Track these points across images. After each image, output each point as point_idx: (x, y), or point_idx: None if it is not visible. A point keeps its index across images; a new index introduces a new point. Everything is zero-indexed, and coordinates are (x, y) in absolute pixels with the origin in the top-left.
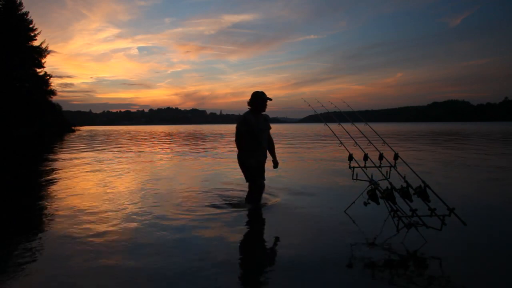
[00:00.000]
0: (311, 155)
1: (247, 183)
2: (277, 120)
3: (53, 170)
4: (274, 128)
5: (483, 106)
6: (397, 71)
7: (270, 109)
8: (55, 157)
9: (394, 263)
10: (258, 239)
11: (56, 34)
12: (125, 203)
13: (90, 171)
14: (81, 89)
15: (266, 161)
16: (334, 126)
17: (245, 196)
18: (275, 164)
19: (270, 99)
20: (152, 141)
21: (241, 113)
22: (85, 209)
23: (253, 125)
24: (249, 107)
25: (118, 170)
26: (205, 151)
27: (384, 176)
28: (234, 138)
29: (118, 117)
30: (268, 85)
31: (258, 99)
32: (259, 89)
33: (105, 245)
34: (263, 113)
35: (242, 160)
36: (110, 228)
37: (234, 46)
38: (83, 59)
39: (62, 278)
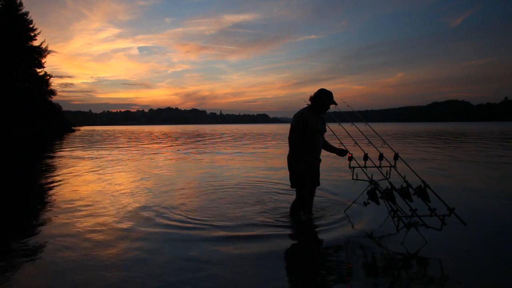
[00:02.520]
0: None
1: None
2: (277, 120)
3: (53, 170)
4: (274, 128)
5: (483, 106)
6: (397, 71)
7: (270, 109)
8: (55, 157)
9: (394, 263)
10: (254, 240)
11: (56, 34)
12: (127, 204)
13: (90, 171)
14: (81, 89)
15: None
16: (334, 126)
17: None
18: (341, 152)
19: (335, 104)
20: (150, 141)
21: (241, 113)
22: (84, 210)
23: (310, 123)
24: (309, 103)
25: (118, 170)
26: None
27: (384, 176)
28: (232, 140)
29: (118, 117)
30: (268, 85)
31: (322, 100)
32: (260, 89)
33: (102, 251)
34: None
35: (291, 162)
36: (109, 232)
37: (234, 46)
38: (83, 59)
39: (59, 279)
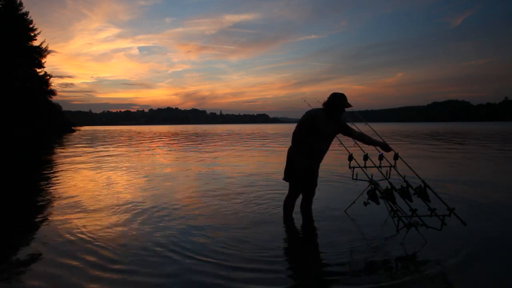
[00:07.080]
0: None
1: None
2: (277, 120)
3: (52, 169)
4: (273, 128)
5: (483, 106)
6: (397, 71)
7: (270, 109)
8: (55, 157)
9: (394, 264)
10: (252, 240)
11: (57, 34)
12: (125, 204)
13: (90, 172)
14: (81, 89)
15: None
16: None
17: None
18: (384, 146)
19: (350, 106)
20: (148, 141)
21: (241, 113)
22: (84, 211)
23: (321, 126)
24: (322, 107)
25: (117, 170)
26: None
27: (384, 176)
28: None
29: (118, 117)
30: (268, 85)
31: (335, 103)
32: (260, 89)
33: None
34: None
35: (292, 160)
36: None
37: (234, 46)
38: (84, 59)
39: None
